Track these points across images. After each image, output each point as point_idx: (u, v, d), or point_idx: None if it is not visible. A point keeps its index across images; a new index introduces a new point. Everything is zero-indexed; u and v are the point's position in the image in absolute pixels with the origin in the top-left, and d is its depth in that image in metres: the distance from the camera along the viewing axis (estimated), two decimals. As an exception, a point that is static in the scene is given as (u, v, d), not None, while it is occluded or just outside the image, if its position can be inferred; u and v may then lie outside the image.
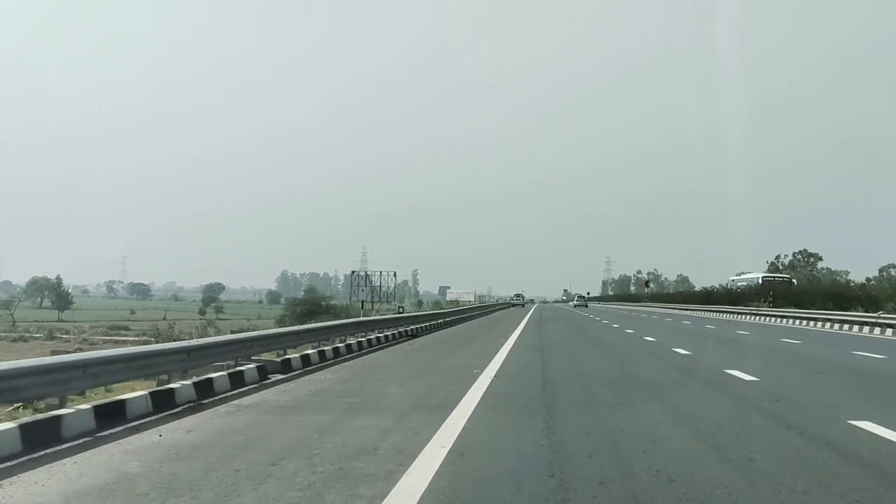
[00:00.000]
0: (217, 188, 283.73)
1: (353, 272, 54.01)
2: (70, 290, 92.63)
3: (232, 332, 19.88)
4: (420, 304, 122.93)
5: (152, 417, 7.23)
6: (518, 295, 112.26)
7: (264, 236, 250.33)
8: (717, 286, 70.22)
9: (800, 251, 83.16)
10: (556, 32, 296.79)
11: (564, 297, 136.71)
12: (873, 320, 26.78)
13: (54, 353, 16.50)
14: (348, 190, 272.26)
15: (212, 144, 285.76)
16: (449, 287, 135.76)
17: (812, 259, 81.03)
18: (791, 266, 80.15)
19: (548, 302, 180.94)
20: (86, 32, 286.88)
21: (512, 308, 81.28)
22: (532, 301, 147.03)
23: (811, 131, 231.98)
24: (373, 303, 53.10)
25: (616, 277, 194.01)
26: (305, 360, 12.34)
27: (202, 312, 71.64)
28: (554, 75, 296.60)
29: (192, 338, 13.61)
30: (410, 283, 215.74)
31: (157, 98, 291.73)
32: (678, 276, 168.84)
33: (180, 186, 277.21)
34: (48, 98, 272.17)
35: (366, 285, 52.60)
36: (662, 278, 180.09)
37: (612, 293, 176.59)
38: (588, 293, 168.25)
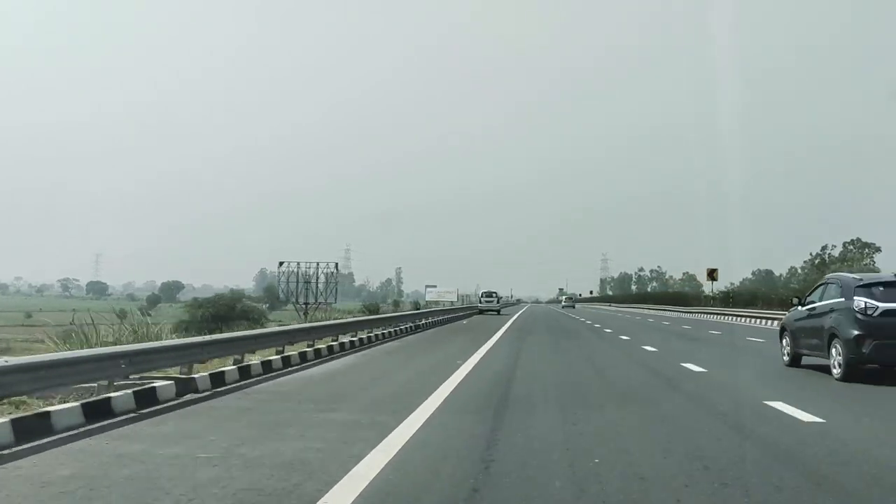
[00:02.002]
0: (212, 188, 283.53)
1: (280, 264, 41.59)
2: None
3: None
4: (396, 304, 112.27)
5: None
6: (489, 294, 62.67)
7: (258, 236, 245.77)
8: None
9: (852, 240, 72.34)
10: (548, 29, 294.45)
11: (564, 298, 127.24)
12: None
13: None
14: (341, 189, 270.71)
15: (207, 145, 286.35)
16: (436, 286, 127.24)
17: (868, 250, 69.93)
18: (842, 258, 69.45)
19: (541, 302, 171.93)
20: (81, 31, 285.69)
21: (472, 318, 45.06)
22: (519, 302, 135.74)
23: (823, 124, 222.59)
24: (307, 304, 41.01)
25: (616, 276, 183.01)
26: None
27: (122, 315, 59.57)
28: (549, 71, 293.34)
29: None
30: (395, 282, 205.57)
31: (155, 98, 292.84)
32: (684, 273, 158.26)
33: (175, 187, 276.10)
34: (46, 98, 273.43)
35: (297, 282, 40.56)
36: (667, 276, 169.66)
37: (611, 292, 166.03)
38: (591, 292, 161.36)
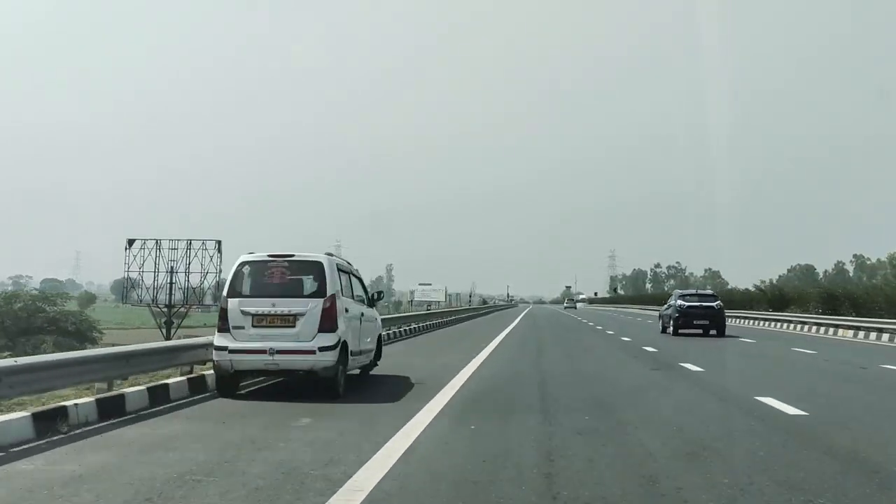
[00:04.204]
0: (204, 187, 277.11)
1: (130, 243, 25.04)
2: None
3: None
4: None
5: None
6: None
7: (253, 235, 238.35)
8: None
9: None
10: (549, 28, 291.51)
11: (567, 299, 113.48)
12: None
13: None
14: (338, 188, 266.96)
15: (198, 144, 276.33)
16: (430, 284, 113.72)
17: None
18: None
19: (544, 303, 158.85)
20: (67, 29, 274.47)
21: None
22: (516, 304, 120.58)
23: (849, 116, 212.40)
24: (170, 307, 23.28)
25: (628, 273, 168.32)
26: None
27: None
28: (551, 70, 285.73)
29: None
30: (386, 280, 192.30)
31: (147, 97, 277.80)
32: (706, 270, 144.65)
33: (169, 186, 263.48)
34: (38, 97, 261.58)
35: (155, 272, 22.94)
36: (686, 272, 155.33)
37: (622, 292, 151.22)
38: (616, 290, 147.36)
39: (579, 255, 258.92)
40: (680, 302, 27.02)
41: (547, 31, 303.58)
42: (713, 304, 26.84)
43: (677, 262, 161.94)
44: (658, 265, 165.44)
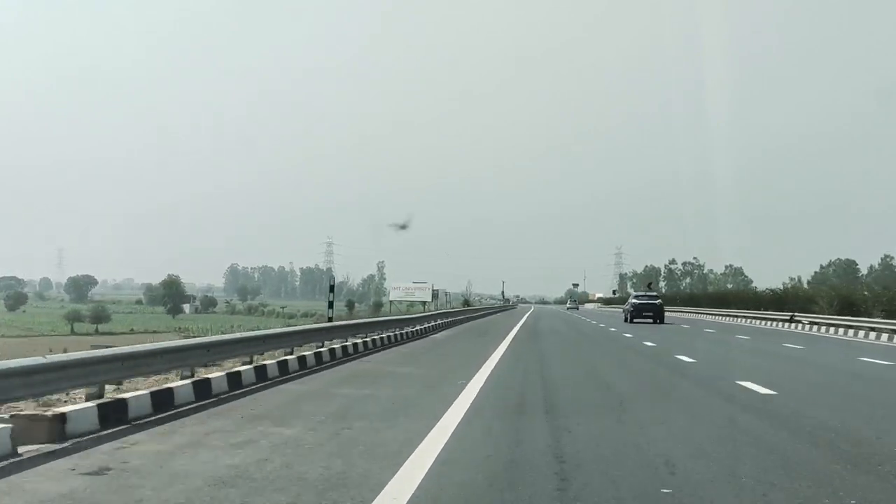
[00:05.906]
0: (194, 187, 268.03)
1: None
2: None
3: None
4: (351, 304, 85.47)
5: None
6: None
7: (245, 233, 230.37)
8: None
9: None
10: (548, 27, 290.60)
11: (570, 300, 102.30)
12: None
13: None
14: (335, 184, 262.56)
15: (190, 142, 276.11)
16: (425, 282, 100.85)
17: None
18: None
19: (548, 303, 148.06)
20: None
21: None
22: (512, 304, 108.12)
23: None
24: None
25: (639, 271, 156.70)
26: None
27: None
28: (558, 63, 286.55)
29: None
30: (377, 279, 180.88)
31: (113, 75, 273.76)
32: (727, 267, 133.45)
33: (159, 184, 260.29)
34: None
35: None
36: (706, 270, 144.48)
37: (631, 291, 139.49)
38: (649, 286, 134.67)
39: (587, 253, 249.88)
40: (634, 300, 43.41)
41: (550, 31, 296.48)
42: (656, 301, 42.49)
43: (694, 259, 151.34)
44: (673, 261, 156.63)
